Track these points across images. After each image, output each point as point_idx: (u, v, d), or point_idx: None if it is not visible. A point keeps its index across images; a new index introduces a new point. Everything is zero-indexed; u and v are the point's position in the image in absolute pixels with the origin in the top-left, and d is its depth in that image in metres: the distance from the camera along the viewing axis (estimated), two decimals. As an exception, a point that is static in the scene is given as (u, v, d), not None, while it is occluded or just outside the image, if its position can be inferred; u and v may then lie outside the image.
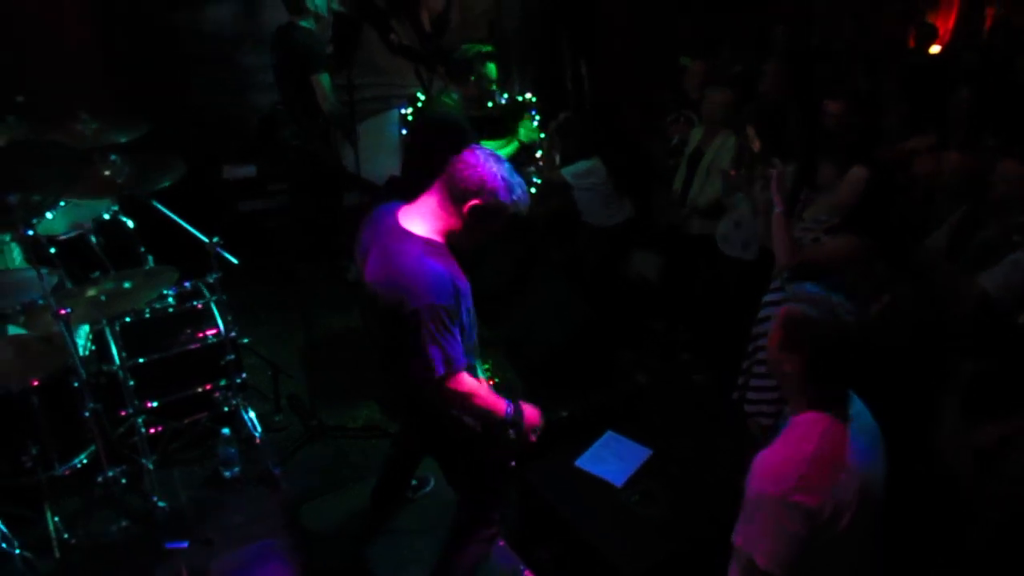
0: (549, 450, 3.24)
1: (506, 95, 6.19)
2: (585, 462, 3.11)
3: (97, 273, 3.52)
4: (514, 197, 2.30)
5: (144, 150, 3.65)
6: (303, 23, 4.62)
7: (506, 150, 4.03)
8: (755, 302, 3.51)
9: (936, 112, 4.47)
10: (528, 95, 5.91)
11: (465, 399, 2.31)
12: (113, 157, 3.44)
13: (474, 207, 2.26)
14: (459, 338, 2.25)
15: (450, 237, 2.34)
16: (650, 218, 5.00)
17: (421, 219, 2.32)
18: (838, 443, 1.82)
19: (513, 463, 2.67)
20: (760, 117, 3.77)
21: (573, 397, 3.82)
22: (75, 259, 3.64)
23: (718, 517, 2.08)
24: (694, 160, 4.47)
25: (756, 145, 3.69)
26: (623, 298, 4.72)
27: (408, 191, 2.44)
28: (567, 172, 4.70)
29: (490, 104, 4.38)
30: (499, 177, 2.26)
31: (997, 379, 2.83)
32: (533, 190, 5.53)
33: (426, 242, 2.28)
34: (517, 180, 2.32)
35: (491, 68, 3.94)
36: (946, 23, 7.28)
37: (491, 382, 4.08)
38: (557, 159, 5.12)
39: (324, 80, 4.57)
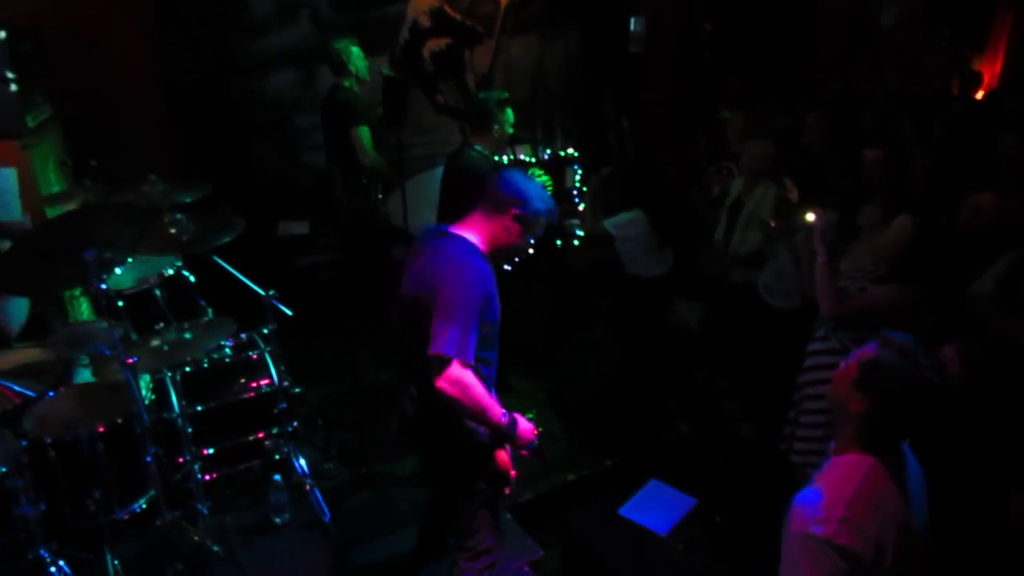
0: (593, 498, 3.27)
1: (549, 150, 6.38)
2: (629, 511, 3.12)
3: (161, 324, 3.70)
4: (546, 207, 2.57)
5: (206, 209, 3.86)
6: (345, 83, 4.86)
7: None
8: (799, 351, 3.50)
9: (981, 158, 4.46)
10: (571, 150, 6.09)
11: (465, 389, 2.35)
12: (179, 216, 3.66)
13: (516, 214, 2.51)
14: (475, 336, 2.36)
15: (494, 245, 2.55)
16: (692, 268, 5.04)
17: (468, 229, 2.54)
18: (879, 486, 1.81)
19: (508, 490, 2.70)
20: (798, 167, 3.82)
21: (617, 446, 3.83)
22: (140, 311, 3.83)
23: (763, 567, 2.08)
24: (735, 211, 4.53)
25: (794, 195, 3.74)
26: (666, 347, 4.73)
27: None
28: (609, 224, 4.79)
29: (532, 159, 4.52)
30: (533, 189, 2.55)
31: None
32: (576, 242, 5.65)
33: (472, 245, 2.50)
34: (547, 194, 2.61)
35: (509, 113, 4.11)
36: (992, 68, 7.26)
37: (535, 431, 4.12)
38: (599, 212, 5.23)
39: (363, 134, 4.77)
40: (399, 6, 5.88)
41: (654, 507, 3.14)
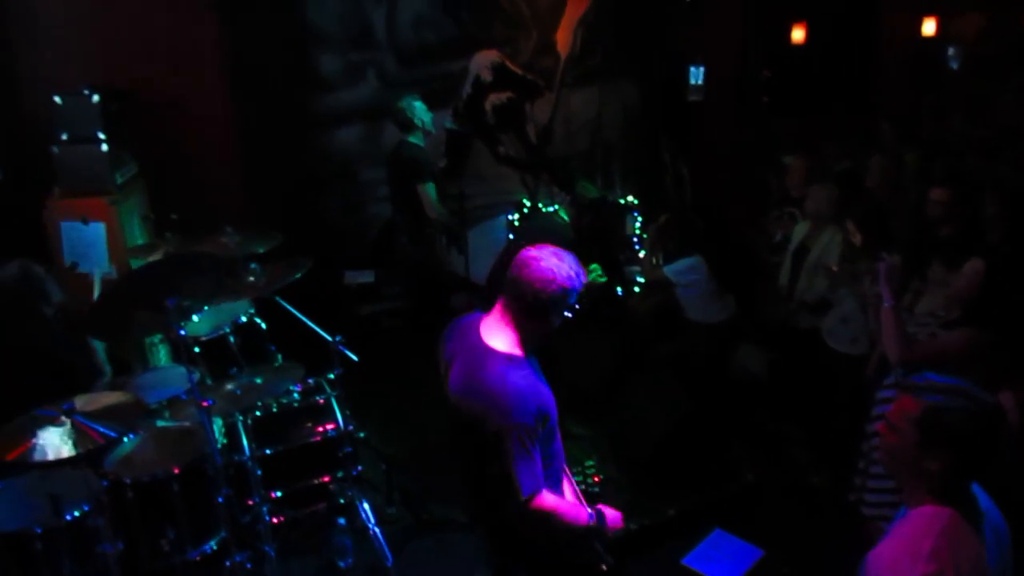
0: (656, 548, 3.22)
1: (609, 198, 6.44)
2: (693, 560, 3.07)
3: (234, 369, 3.85)
4: (578, 284, 2.35)
5: (278, 258, 4.04)
6: (411, 139, 5.03)
7: None
8: (868, 398, 3.42)
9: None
10: (630, 197, 6.14)
11: (548, 519, 2.30)
12: (252, 265, 3.83)
13: (544, 303, 2.30)
14: (539, 459, 2.27)
15: (530, 340, 2.39)
16: (756, 314, 4.98)
17: (499, 331, 2.38)
18: (958, 540, 1.74)
19: (605, 567, 2.54)
20: (862, 211, 3.78)
21: (680, 494, 3.77)
22: (214, 357, 3.99)
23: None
24: (799, 256, 4.49)
25: (858, 239, 3.69)
26: (731, 394, 4.66)
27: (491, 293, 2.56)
28: (669, 270, 4.79)
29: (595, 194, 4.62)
30: (558, 269, 2.31)
31: None
32: (636, 289, 5.65)
33: (507, 358, 2.33)
34: (570, 262, 2.36)
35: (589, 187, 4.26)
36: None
37: (595, 479, 4.10)
38: (659, 258, 5.24)
39: (429, 189, 4.92)
40: (461, 62, 6.09)
41: (719, 557, 3.08)
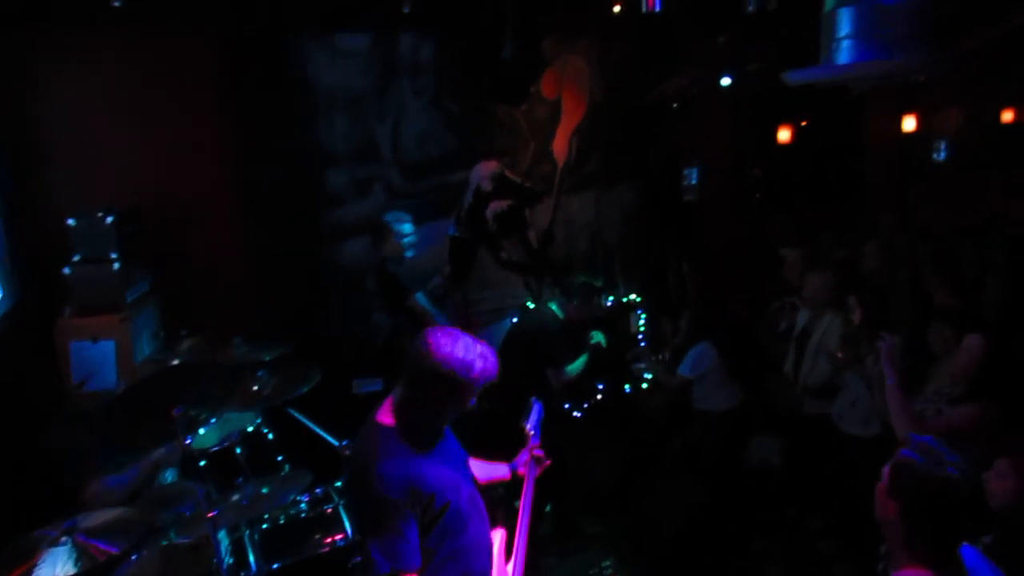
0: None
1: (612, 297, 6.52)
2: (718, 662, 2.92)
3: (240, 479, 3.81)
4: (475, 372, 2.32)
5: (286, 366, 4.08)
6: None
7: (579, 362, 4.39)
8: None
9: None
10: (633, 296, 6.22)
11: None
12: (260, 373, 3.87)
13: (439, 387, 2.32)
14: (410, 540, 2.24)
15: (421, 422, 2.40)
16: (765, 403, 4.94)
17: (393, 407, 2.42)
18: None
19: None
20: (862, 296, 3.84)
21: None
22: (220, 467, 3.97)
23: None
24: (802, 341, 4.50)
25: (857, 316, 3.72)
26: (748, 485, 4.56)
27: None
28: (684, 369, 4.77)
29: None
30: (455, 357, 2.31)
31: None
32: (644, 385, 5.64)
33: (391, 434, 2.36)
34: (477, 353, 2.35)
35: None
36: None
37: (612, 580, 3.97)
38: (666, 355, 5.26)
39: (419, 299, 5.05)
40: (463, 173, 6.32)
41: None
